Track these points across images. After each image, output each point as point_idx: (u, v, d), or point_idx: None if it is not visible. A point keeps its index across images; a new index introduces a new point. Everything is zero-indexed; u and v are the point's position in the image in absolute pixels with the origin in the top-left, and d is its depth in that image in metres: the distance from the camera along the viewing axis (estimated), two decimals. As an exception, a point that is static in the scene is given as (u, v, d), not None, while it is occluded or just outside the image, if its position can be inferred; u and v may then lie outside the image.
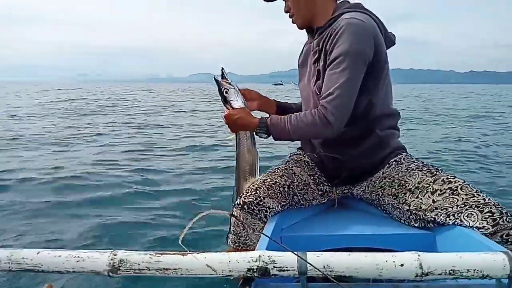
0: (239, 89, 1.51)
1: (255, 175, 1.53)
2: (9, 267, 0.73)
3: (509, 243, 1.05)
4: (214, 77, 1.50)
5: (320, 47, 1.37)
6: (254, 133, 1.45)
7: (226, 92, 1.48)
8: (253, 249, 1.23)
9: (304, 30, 1.51)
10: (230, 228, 1.39)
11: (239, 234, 1.34)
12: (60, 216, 3.06)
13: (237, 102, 1.48)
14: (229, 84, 1.49)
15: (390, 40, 1.43)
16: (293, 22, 1.47)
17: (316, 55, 1.39)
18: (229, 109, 1.49)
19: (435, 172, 1.30)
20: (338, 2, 1.43)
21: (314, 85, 1.40)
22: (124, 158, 5.25)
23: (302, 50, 1.59)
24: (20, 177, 4.10)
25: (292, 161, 1.55)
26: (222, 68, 1.51)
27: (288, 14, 1.46)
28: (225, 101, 1.49)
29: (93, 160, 5.14)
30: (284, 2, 1.46)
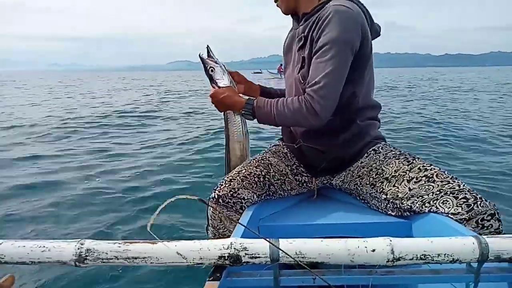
0: (225, 68, 1.48)
1: (247, 155, 1.52)
2: (-30, 258, 0.70)
3: (484, 228, 1.06)
4: (199, 55, 1.46)
5: (305, 34, 1.35)
6: (240, 114, 1.42)
7: (212, 71, 1.45)
8: None
9: (290, 16, 1.48)
10: (207, 221, 1.37)
11: (217, 227, 1.33)
12: (29, 205, 2.99)
13: (223, 80, 1.45)
14: (215, 62, 1.45)
15: (375, 31, 1.42)
16: (277, 6, 1.44)
17: (301, 42, 1.37)
18: (215, 88, 1.46)
19: (411, 160, 1.30)
20: None
21: (298, 73, 1.38)
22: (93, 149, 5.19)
23: (287, 36, 1.56)
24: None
25: (269, 152, 1.54)
26: (208, 46, 1.48)
27: None
28: (211, 80, 1.46)
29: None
30: None
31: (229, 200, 1.30)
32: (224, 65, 1.48)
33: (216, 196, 1.31)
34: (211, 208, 1.30)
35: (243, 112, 1.40)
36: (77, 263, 0.70)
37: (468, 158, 4.35)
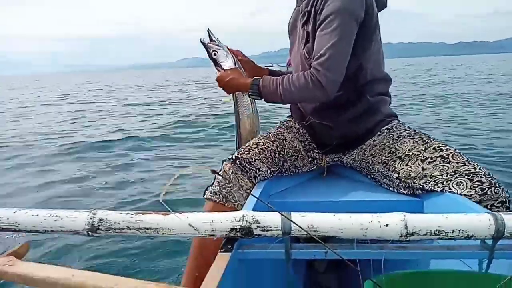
0: (228, 49, 1.46)
1: (257, 132, 1.52)
2: (-15, 226, 0.71)
3: None
4: (200, 40, 1.46)
5: (309, 9, 1.32)
6: (247, 95, 1.41)
7: (215, 54, 1.44)
8: (232, 207, 1.22)
9: None
10: (213, 182, 1.29)
11: (223, 186, 1.26)
12: (38, 178, 3.07)
13: (227, 62, 1.44)
14: (217, 45, 1.44)
15: (381, 3, 1.38)
16: None
17: (305, 17, 1.34)
18: (220, 71, 1.46)
19: (426, 140, 1.28)
20: None
21: (303, 49, 1.35)
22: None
23: (291, 15, 1.53)
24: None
25: (283, 127, 1.53)
26: (208, 30, 1.47)
27: None
28: (215, 63, 1.46)
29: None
30: None
31: (246, 165, 1.28)
32: (226, 47, 1.47)
33: (234, 157, 1.29)
34: (223, 169, 1.27)
35: (249, 93, 1.39)
36: (89, 232, 0.70)
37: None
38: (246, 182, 1.28)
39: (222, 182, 1.26)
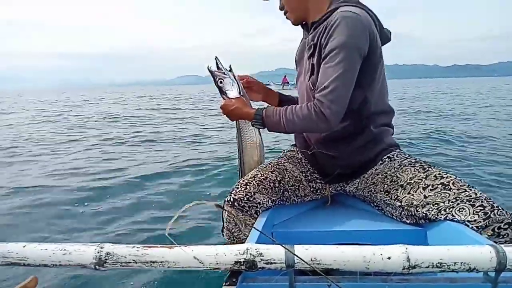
0: (234, 77, 1.49)
1: (261, 161, 1.53)
2: (-5, 260, 0.72)
3: (500, 236, 1.05)
4: (208, 68, 1.48)
5: (314, 42, 1.36)
6: (251, 124, 1.44)
7: (221, 82, 1.47)
8: None
9: (300, 26, 1.50)
10: (223, 223, 1.38)
11: (232, 230, 1.34)
12: (48, 210, 3.07)
13: (232, 92, 1.47)
14: (223, 73, 1.47)
15: (385, 37, 1.42)
16: (287, 18, 1.46)
17: (311, 50, 1.38)
18: (225, 99, 1.48)
19: (427, 168, 1.29)
20: None
21: (309, 80, 1.39)
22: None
23: (299, 46, 1.58)
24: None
25: (284, 157, 1.55)
26: (216, 57, 1.50)
27: (283, 11, 1.45)
28: (221, 91, 1.48)
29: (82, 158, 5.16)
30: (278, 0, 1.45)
31: (245, 204, 1.31)
32: (234, 75, 1.49)
33: (231, 200, 1.31)
34: (226, 212, 1.31)
35: (253, 122, 1.41)
36: (96, 266, 0.71)
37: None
38: (249, 219, 1.31)
39: (229, 225, 1.35)
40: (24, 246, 0.73)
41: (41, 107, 18.55)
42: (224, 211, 1.32)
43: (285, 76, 34.64)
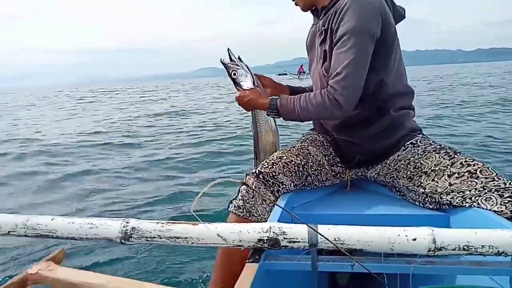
0: (248, 68, 1.50)
1: (276, 149, 1.54)
2: (25, 232, 0.75)
3: None
4: (221, 60, 1.50)
5: (325, 27, 1.34)
6: (266, 114, 1.44)
7: (234, 74, 1.48)
8: (256, 221, 1.23)
9: (309, 12, 1.47)
10: (237, 196, 1.31)
11: (246, 201, 1.28)
12: (77, 186, 3.24)
13: (246, 83, 1.48)
14: (236, 65, 1.49)
15: (399, 14, 1.38)
16: (296, 4, 1.44)
17: (322, 36, 1.36)
18: (239, 90, 1.50)
19: (453, 155, 1.26)
20: None
21: (322, 67, 1.37)
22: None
23: (309, 33, 1.55)
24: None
25: (307, 140, 1.53)
26: (228, 49, 1.51)
27: None
28: (235, 83, 1.50)
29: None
30: None
31: (269, 179, 1.30)
32: (247, 66, 1.50)
33: (257, 172, 1.31)
34: (247, 183, 1.29)
35: (268, 112, 1.41)
36: (122, 240, 0.73)
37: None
38: (269, 196, 1.29)
39: (245, 196, 1.27)
40: (52, 219, 0.75)
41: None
42: (244, 185, 1.29)
43: (301, 66, 34.30)
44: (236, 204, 1.27)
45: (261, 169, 1.32)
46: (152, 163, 4.29)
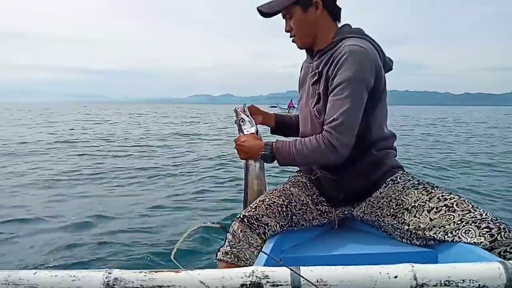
0: (254, 122, 1.61)
1: (262, 192, 1.57)
2: (6, 288, 0.74)
3: (507, 259, 1.03)
4: (235, 109, 1.64)
5: (320, 70, 1.41)
6: (260, 156, 1.44)
7: (242, 121, 1.59)
8: (245, 266, 1.21)
9: (304, 50, 1.54)
10: (224, 243, 1.31)
11: (233, 246, 1.27)
12: (57, 232, 3.15)
13: (249, 131, 1.58)
14: (247, 116, 1.60)
15: (388, 66, 1.47)
16: (293, 42, 1.50)
17: (316, 78, 1.42)
18: (240, 135, 1.57)
19: (430, 190, 1.29)
20: (339, 26, 1.46)
21: (313, 107, 1.43)
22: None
23: (301, 68, 1.62)
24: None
25: (290, 182, 1.56)
26: (245, 104, 1.65)
27: (289, 34, 1.48)
28: (240, 129, 1.59)
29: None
30: (285, 21, 1.47)
31: (254, 222, 1.30)
32: (254, 121, 1.62)
33: (241, 216, 1.32)
34: (232, 229, 1.29)
35: (262, 153, 1.42)
36: (105, 291, 0.72)
37: None
38: (256, 239, 1.28)
39: (232, 241, 1.27)
40: (35, 273, 0.74)
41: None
42: (229, 230, 1.29)
43: (291, 101, 35.25)
44: (224, 251, 1.27)
45: (245, 213, 1.33)
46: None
